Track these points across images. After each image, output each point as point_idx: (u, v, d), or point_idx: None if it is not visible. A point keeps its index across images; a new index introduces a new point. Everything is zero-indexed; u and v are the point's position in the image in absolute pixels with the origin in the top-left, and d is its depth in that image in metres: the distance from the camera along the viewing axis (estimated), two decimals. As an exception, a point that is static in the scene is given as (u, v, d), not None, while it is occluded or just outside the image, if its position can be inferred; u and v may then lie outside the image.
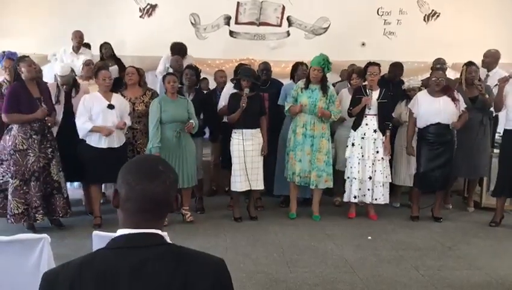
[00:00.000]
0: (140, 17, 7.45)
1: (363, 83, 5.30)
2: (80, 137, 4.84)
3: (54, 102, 4.84)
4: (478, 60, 6.06)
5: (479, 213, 5.62)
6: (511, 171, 4.95)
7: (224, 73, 6.17)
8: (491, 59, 5.92)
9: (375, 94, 5.18)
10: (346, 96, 5.56)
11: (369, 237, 4.72)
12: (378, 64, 5.24)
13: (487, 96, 5.37)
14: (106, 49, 6.55)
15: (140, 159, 1.36)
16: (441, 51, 6.55)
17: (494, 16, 7.56)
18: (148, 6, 7.42)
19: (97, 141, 4.82)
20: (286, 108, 5.28)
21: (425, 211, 5.43)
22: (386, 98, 5.20)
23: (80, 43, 6.42)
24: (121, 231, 1.29)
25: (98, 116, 4.80)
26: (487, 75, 5.92)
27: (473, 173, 5.70)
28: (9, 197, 4.52)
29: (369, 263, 4.06)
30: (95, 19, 7.02)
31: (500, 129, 5.52)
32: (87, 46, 6.66)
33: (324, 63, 5.11)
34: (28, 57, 4.69)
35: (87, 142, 4.84)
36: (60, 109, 4.93)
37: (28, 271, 2.41)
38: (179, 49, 6.51)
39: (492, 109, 5.33)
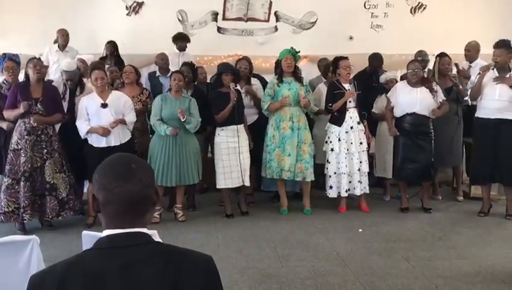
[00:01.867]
0: (127, 15, 7.39)
1: (337, 78, 5.31)
2: (82, 137, 4.86)
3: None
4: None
5: (468, 203, 5.68)
6: (485, 157, 5.02)
7: (204, 70, 6.15)
8: (473, 51, 6.00)
9: (352, 87, 5.22)
10: (324, 91, 5.55)
11: (360, 230, 4.75)
12: (347, 58, 5.30)
13: (461, 87, 5.44)
14: (107, 48, 6.50)
15: (112, 161, 1.33)
16: (428, 43, 6.58)
17: (481, 7, 7.59)
18: (135, 4, 7.36)
19: (96, 141, 4.82)
20: (265, 107, 5.26)
21: (415, 203, 5.48)
22: (360, 89, 5.26)
23: (66, 41, 6.39)
24: (107, 232, 1.29)
25: (93, 116, 4.81)
26: (469, 67, 5.98)
27: (449, 162, 5.79)
28: (1, 195, 4.61)
29: (360, 256, 4.09)
30: (82, 17, 6.96)
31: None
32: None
33: (294, 52, 5.19)
34: (36, 58, 4.83)
35: (89, 142, 4.85)
36: (64, 106, 4.98)
37: (17, 273, 2.39)
38: (177, 38, 6.54)
39: (467, 98, 5.35)
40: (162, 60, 6.23)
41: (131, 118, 4.94)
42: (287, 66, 5.21)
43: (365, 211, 5.34)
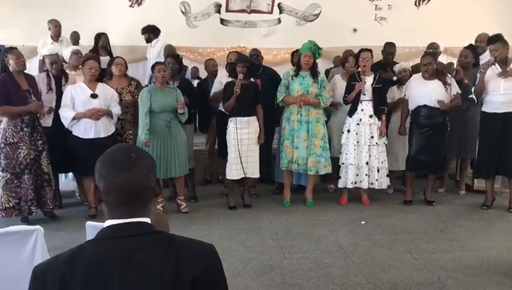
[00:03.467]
0: (129, 6, 7.37)
1: (357, 70, 5.31)
2: (66, 127, 4.80)
3: (46, 91, 4.84)
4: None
5: (471, 196, 5.68)
6: (489, 152, 5.02)
7: (215, 62, 6.13)
8: (485, 42, 5.95)
9: (369, 80, 5.20)
10: (339, 81, 5.57)
11: (363, 222, 4.76)
12: (370, 50, 5.27)
13: (466, 81, 5.39)
14: (105, 39, 6.48)
15: (113, 151, 1.34)
16: (432, 35, 6.55)
17: (485, -2, 7.57)
18: (138, -4, 7.36)
19: (83, 132, 4.78)
20: (280, 98, 5.26)
21: (417, 195, 5.48)
22: (380, 83, 5.22)
23: (59, 31, 6.36)
24: (109, 222, 1.30)
25: (80, 107, 4.76)
26: (479, 58, 5.94)
27: (457, 155, 5.79)
28: (0, 191, 4.48)
29: (362, 248, 4.10)
30: (83, 8, 6.95)
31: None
32: (77, 35, 6.62)
33: (315, 49, 5.13)
34: (15, 48, 4.65)
35: (74, 133, 4.81)
36: (52, 97, 4.91)
37: (22, 263, 2.41)
38: (150, 30, 6.53)
39: (472, 95, 5.30)
40: (171, 51, 6.23)
41: (117, 111, 4.93)
42: (304, 63, 5.17)
43: (365, 204, 5.35)
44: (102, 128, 4.80)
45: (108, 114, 4.85)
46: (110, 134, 4.87)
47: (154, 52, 6.50)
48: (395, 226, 4.65)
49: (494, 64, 4.92)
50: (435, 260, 3.81)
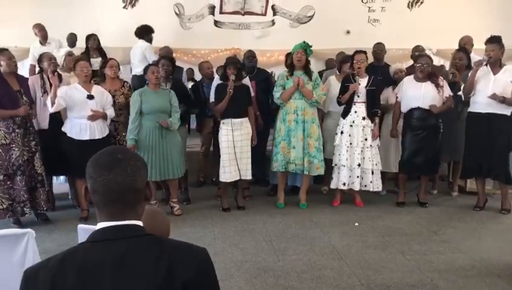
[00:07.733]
0: (123, 7, 7.37)
1: (352, 72, 5.32)
2: (51, 111, 4.71)
3: (41, 94, 4.85)
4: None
5: (463, 197, 5.71)
6: (475, 153, 5.05)
7: (210, 64, 6.13)
8: (468, 45, 6.01)
9: (364, 81, 5.21)
10: (334, 83, 5.58)
11: (356, 224, 4.77)
12: (364, 52, 5.29)
13: (462, 83, 5.43)
14: (94, 40, 6.46)
15: (102, 152, 1.34)
16: (425, 37, 6.61)
17: (478, 1, 7.61)
18: (131, -3, 7.35)
19: (78, 133, 4.76)
20: (277, 95, 5.28)
21: (411, 197, 5.50)
22: (374, 86, 5.24)
23: (44, 34, 6.34)
24: (101, 225, 1.29)
25: (77, 107, 4.74)
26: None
27: (450, 157, 5.81)
28: None
29: (355, 249, 4.10)
30: (78, 9, 6.93)
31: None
32: (74, 37, 6.59)
33: (305, 46, 5.18)
34: (7, 50, 4.65)
35: (68, 135, 4.78)
36: (47, 99, 4.85)
37: (13, 267, 2.39)
38: (146, 31, 6.50)
39: (460, 92, 5.34)
40: (168, 52, 6.23)
41: (111, 112, 4.94)
42: (297, 60, 5.21)
43: (359, 206, 5.36)
44: (97, 130, 4.80)
45: (103, 116, 4.85)
46: (104, 136, 4.85)
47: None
48: (388, 228, 4.67)
49: (487, 64, 4.94)
50: (427, 262, 3.82)
